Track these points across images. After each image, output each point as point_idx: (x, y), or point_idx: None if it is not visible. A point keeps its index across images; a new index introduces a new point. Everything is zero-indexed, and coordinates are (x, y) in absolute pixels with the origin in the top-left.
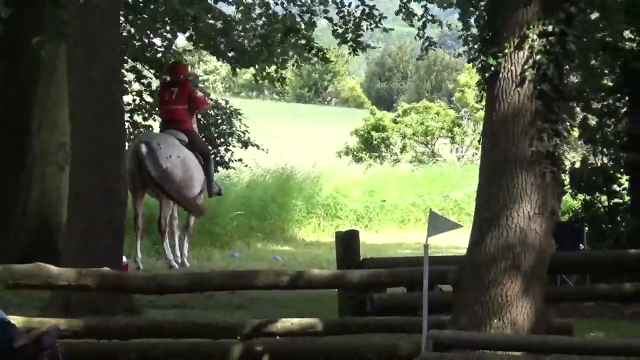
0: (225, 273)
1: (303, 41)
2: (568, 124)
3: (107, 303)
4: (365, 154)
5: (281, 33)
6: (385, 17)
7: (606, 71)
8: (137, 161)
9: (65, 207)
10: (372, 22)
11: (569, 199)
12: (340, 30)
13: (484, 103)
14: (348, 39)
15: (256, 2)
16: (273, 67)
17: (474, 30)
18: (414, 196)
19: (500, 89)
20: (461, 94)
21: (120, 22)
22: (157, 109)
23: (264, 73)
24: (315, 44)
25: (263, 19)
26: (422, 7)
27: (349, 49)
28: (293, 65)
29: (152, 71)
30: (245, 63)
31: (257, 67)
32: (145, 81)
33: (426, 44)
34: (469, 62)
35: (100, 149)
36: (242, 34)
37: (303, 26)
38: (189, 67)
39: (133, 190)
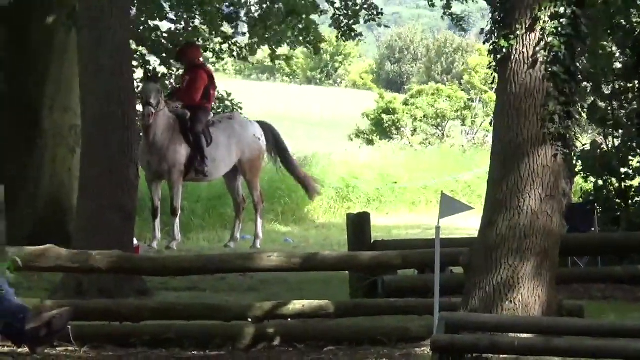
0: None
1: (301, 25)
2: (579, 105)
3: (118, 285)
4: (377, 137)
5: (283, 13)
6: (382, 13)
7: (617, 53)
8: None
9: (76, 190)
10: (370, 14)
11: (580, 181)
12: (337, 15)
13: (492, 85)
14: (342, 25)
15: None
16: (286, 48)
17: None
18: (424, 178)
19: (511, 71)
20: (469, 76)
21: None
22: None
23: (275, 54)
24: (312, 31)
25: None
26: None
27: (340, 34)
28: (288, 46)
29: (155, 57)
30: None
31: (272, 46)
32: (150, 67)
33: (455, 20)
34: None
35: (108, 131)
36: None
37: (304, 10)
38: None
39: (257, 168)
